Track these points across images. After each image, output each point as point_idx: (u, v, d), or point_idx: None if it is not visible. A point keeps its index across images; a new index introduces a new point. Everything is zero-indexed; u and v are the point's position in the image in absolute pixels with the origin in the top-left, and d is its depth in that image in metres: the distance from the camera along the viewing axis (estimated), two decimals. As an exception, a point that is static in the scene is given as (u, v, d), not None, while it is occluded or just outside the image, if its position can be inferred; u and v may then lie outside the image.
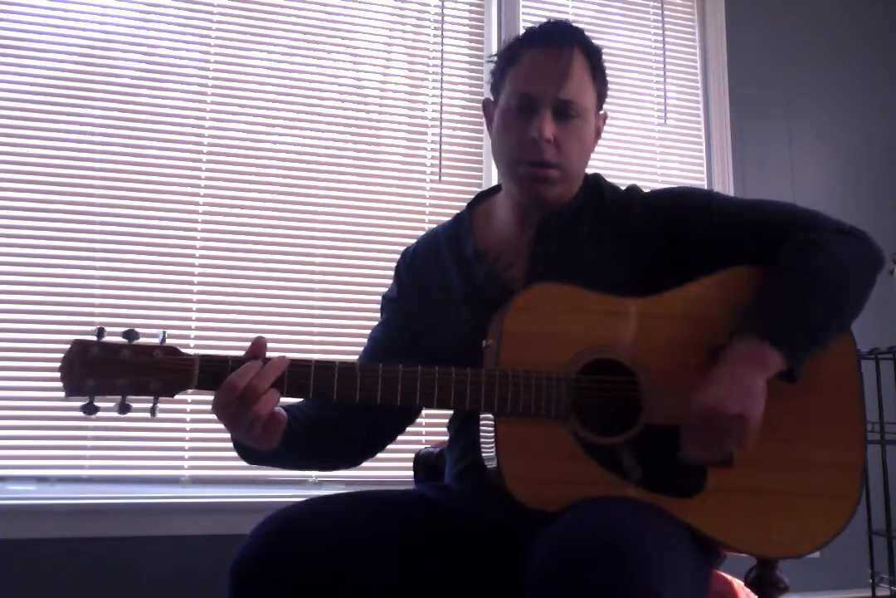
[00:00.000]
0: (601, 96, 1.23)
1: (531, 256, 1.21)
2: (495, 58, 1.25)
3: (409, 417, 1.30)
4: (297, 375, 1.01)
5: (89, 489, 2.00)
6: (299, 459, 1.20)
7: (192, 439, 2.07)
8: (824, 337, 1.08)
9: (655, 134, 2.65)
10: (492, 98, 1.26)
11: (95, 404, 0.98)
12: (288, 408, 1.11)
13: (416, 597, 1.05)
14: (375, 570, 1.02)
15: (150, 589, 1.96)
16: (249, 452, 1.08)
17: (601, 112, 1.26)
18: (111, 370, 0.98)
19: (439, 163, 2.40)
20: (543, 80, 1.15)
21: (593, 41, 1.23)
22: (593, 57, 1.20)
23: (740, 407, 0.98)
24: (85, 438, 2.02)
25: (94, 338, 0.99)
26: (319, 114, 2.34)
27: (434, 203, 2.40)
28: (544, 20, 1.25)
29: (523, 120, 1.16)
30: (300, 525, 1.02)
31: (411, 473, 1.48)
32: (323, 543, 1.00)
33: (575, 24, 1.24)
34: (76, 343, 0.98)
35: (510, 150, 1.19)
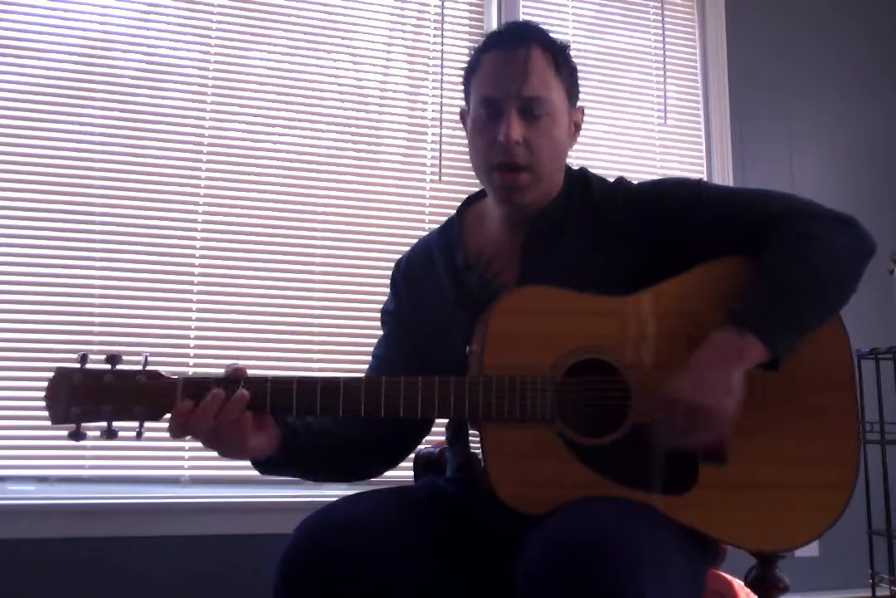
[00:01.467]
0: (571, 91, 1.21)
1: (522, 261, 1.21)
2: (464, 74, 1.24)
3: (421, 430, 1.29)
4: (279, 393, 1.01)
5: (89, 489, 1.99)
6: (308, 469, 1.20)
7: (192, 440, 2.06)
8: (808, 326, 1.07)
9: (655, 133, 2.65)
10: (467, 108, 1.25)
11: (83, 430, 1.00)
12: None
13: (416, 596, 1.05)
14: (405, 570, 1.02)
15: (150, 589, 1.96)
16: (259, 462, 1.10)
17: (577, 107, 1.24)
18: (95, 397, 0.99)
19: (439, 163, 2.40)
20: (503, 81, 1.14)
21: (556, 38, 1.21)
22: (555, 53, 1.18)
23: (712, 399, 0.98)
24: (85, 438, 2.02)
25: (78, 365, 1.00)
26: (319, 114, 2.34)
27: (434, 203, 2.39)
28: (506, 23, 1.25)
29: (491, 125, 1.16)
30: (341, 525, 1.02)
31: (411, 473, 1.48)
32: (363, 543, 1.00)
33: (555, 26, 1.24)
34: (59, 372, 1.00)
35: (481, 156, 1.18)
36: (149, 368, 1.02)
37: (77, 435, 0.99)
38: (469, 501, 1.15)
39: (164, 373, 1.02)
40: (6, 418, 1.98)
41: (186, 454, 2.08)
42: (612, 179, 1.27)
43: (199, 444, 2.22)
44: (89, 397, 0.99)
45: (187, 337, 2.13)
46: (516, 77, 1.13)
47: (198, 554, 1.97)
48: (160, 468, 2.06)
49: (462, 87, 1.25)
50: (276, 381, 1.01)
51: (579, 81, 1.25)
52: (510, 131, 1.13)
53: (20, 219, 2.07)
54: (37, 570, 1.91)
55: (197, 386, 1.00)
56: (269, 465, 1.10)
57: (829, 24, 2.88)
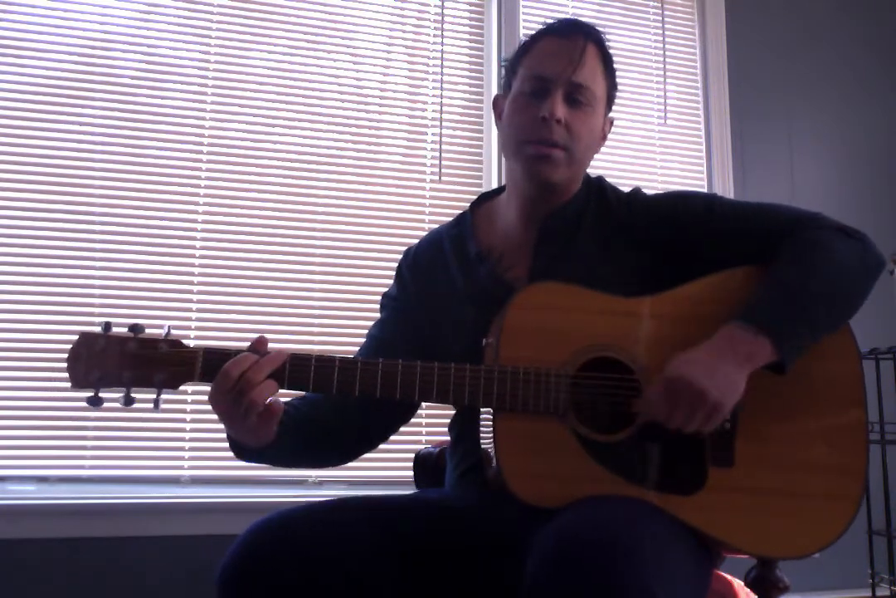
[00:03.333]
0: (611, 97, 1.25)
1: (535, 256, 1.22)
2: (510, 59, 1.27)
3: (404, 415, 1.30)
4: (298, 368, 1.02)
5: (89, 489, 1.99)
6: (290, 455, 1.19)
7: (192, 439, 2.07)
8: (818, 333, 1.08)
9: (655, 134, 2.65)
10: (503, 93, 1.27)
11: (100, 396, 1.00)
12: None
13: None
14: (370, 576, 1.01)
15: (150, 589, 1.96)
16: (242, 449, 1.09)
17: (609, 116, 1.27)
18: (116, 362, 1.00)
19: (439, 163, 2.40)
20: (558, 62, 1.17)
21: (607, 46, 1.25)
22: (606, 57, 1.23)
23: (710, 386, 0.98)
24: (85, 438, 2.02)
25: (101, 331, 1.00)
26: (319, 114, 2.34)
27: (434, 203, 2.39)
28: (555, 18, 1.28)
29: (535, 102, 1.18)
30: (288, 532, 1.01)
31: (411, 473, 1.48)
32: (312, 550, 1.00)
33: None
34: (83, 335, 1.00)
35: (519, 130, 1.20)
36: (170, 338, 1.03)
37: (95, 400, 1.00)
38: (470, 505, 1.15)
39: (185, 342, 1.03)
40: (6, 418, 1.98)
41: (186, 454, 2.08)
42: (626, 189, 1.29)
43: (199, 444, 2.23)
44: (111, 362, 1.00)
45: (187, 337, 2.13)
46: (572, 61, 1.17)
47: (198, 554, 1.97)
48: (160, 468, 2.06)
49: (504, 72, 1.28)
50: (295, 357, 1.03)
51: None
52: (555, 109, 1.16)
53: (20, 219, 2.07)
54: (37, 570, 1.91)
55: (217, 356, 1.02)
56: (254, 451, 1.09)
57: (829, 24, 2.87)
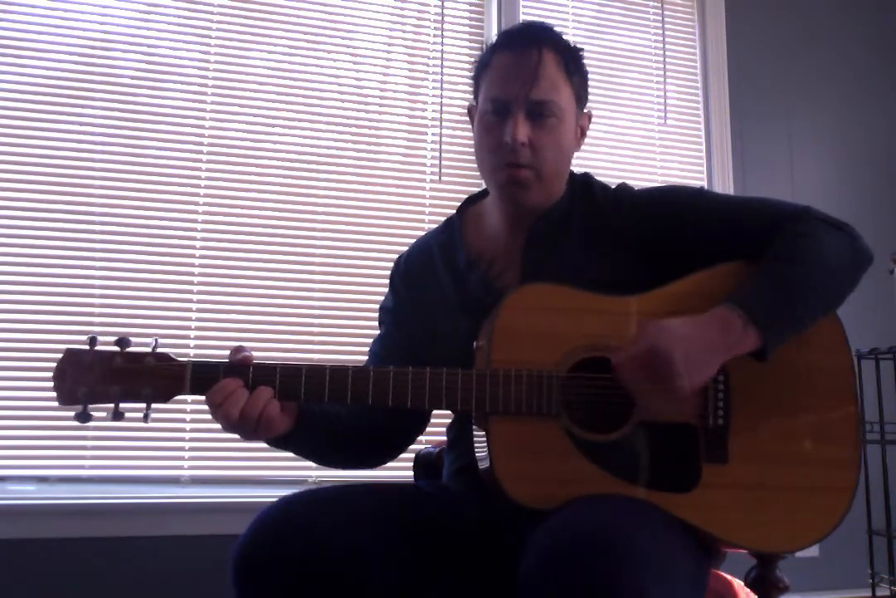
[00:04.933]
0: (580, 95, 1.22)
1: (524, 261, 1.21)
2: (474, 71, 1.25)
3: (423, 420, 1.30)
4: (289, 379, 1.02)
5: (89, 489, 2.00)
6: (316, 450, 1.21)
7: (192, 439, 2.07)
8: (805, 325, 1.08)
9: (655, 134, 2.65)
10: (475, 103, 1.26)
11: (89, 411, 1.00)
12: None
13: (411, 595, 1.05)
14: (375, 564, 1.02)
15: (150, 589, 1.96)
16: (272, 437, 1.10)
17: (585, 111, 1.25)
18: (104, 378, 0.99)
19: (439, 163, 2.40)
20: (514, 83, 1.15)
21: (569, 41, 1.23)
22: (567, 56, 1.19)
23: (682, 369, 0.98)
24: (85, 438, 2.02)
25: (87, 346, 1.00)
26: (319, 114, 2.35)
27: (434, 203, 2.40)
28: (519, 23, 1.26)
29: (498, 124, 1.17)
30: (302, 518, 1.03)
31: (411, 473, 1.48)
32: (325, 535, 1.00)
33: (555, 27, 1.24)
34: (68, 352, 1.00)
35: (487, 155, 1.19)
36: (158, 351, 1.03)
37: (83, 417, 0.99)
38: (465, 503, 1.16)
39: (172, 355, 1.03)
40: (6, 418, 1.98)
41: (186, 454, 2.08)
42: (614, 185, 1.27)
43: (199, 444, 2.23)
44: (98, 378, 0.99)
45: (187, 337, 2.13)
46: (526, 80, 1.15)
47: (198, 554, 1.97)
48: (160, 468, 2.06)
49: (471, 83, 1.26)
50: (285, 368, 1.03)
51: None
52: (516, 133, 1.14)
53: (20, 219, 2.07)
54: (37, 570, 1.91)
55: (206, 370, 1.01)
56: (280, 441, 1.10)
57: (829, 24, 2.88)
